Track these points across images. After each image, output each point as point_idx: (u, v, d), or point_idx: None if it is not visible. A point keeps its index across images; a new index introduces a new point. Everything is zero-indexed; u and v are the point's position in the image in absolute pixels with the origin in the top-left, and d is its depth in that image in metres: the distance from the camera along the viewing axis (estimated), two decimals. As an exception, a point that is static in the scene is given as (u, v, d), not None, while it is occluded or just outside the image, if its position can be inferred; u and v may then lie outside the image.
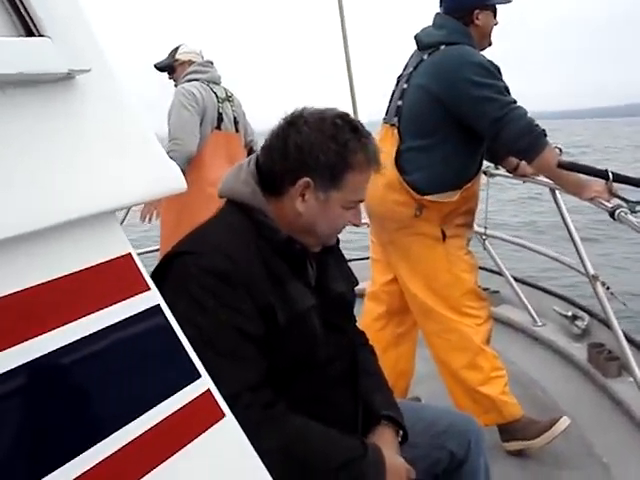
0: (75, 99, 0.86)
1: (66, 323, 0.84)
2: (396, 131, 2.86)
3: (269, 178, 1.64)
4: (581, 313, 3.79)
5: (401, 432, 1.73)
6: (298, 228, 1.63)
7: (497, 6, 2.90)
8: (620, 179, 2.59)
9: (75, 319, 0.85)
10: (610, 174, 2.56)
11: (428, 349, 3.22)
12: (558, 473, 2.74)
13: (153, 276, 1.53)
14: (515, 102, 2.66)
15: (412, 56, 3.00)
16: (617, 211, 2.52)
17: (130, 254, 0.92)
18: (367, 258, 4.69)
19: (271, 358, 1.51)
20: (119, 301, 0.90)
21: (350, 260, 4.65)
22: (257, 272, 1.52)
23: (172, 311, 1.45)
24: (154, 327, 0.95)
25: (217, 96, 4.15)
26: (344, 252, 1.88)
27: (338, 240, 1.82)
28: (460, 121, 2.73)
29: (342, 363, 1.70)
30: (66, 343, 0.83)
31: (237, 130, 4.27)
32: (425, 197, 2.78)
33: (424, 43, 2.89)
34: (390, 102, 3.03)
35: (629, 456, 2.76)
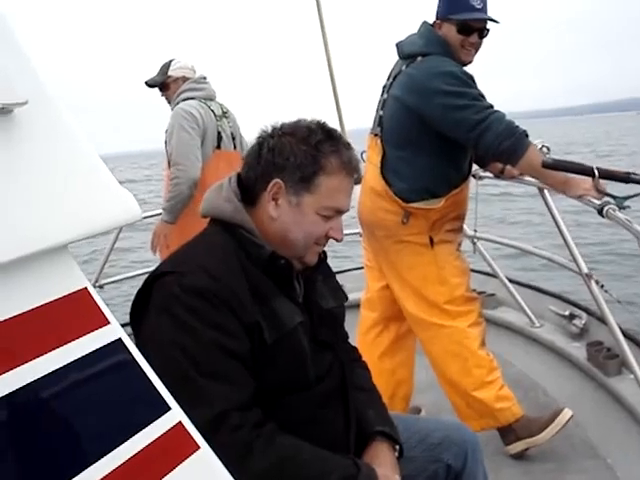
0: (13, 134, 0.83)
1: (21, 364, 0.81)
2: (379, 141, 2.89)
3: (247, 189, 1.63)
4: (578, 312, 3.75)
5: (397, 447, 1.70)
6: (275, 236, 1.60)
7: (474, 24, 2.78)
8: (606, 175, 2.56)
9: (31, 359, 0.82)
10: (596, 171, 2.53)
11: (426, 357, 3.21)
12: (563, 476, 2.70)
13: (137, 298, 1.52)
14: (492, 106, 2.65)
15: (395, 65, 3.00)
16: (605, 208, 2.49)
17: (86, 288, 0.89)
18: (362, 268, 4.70)
19: (260, 377, 1.48)
20: (77, 338, 0.87)
21: (346, 270, 4.68)
22: (242, 290, 1.49)
23: (157, 332, 1.44)
24: (116, 362, 0.92)
25: (215, 114, 4.04)
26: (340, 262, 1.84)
27: (326, 255, 1.78)
28: (434, 131, 2.73)
29: (332, 380, 1.66)
30: (22, 385, 0.81)
31: (235, 147, 4.16)
32: (411, 205, 2.79)
33: (404, 53, 2.89)
34: (376, 112, 3.03)
35: (633, 455, 2.71)
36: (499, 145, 2.61)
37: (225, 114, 4.13)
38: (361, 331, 3.13)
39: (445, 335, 2.87)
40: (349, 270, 4.79)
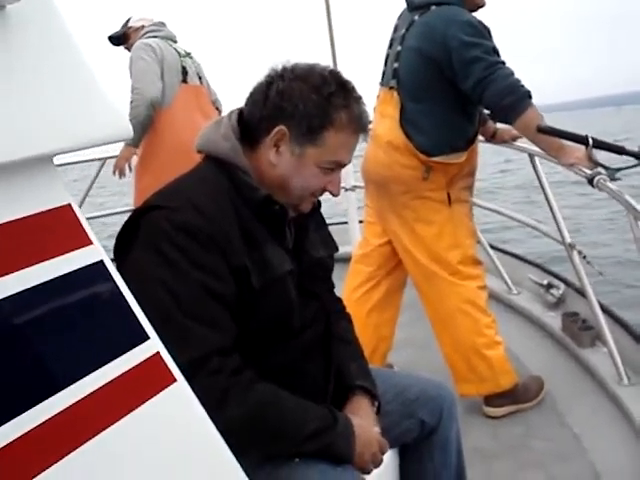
0: (5, 32, 0.77)
1: (-3, 277, 0.77)
2: (396, 94, 2.82)
3: (248, 127, 1.56)
4: (556, 282, 3.76)
5: (376, 403, 1.69)
6: (272, 182, 1.54)
7: None
8: (600, 145, 2.54)
9: (7, 273, 0.78)
10: (590, 140, 2.51)
11: (403, 316, 3.23)
12: (529, 442, 2.72)
13: (123, 232, 1.47)
14: (503, 63, 2.61)
15: (401, 17, 2.95)
16: (596, 178, 2.48)
17: (70, 205, 0.85)
18: (346, 223, 4.69)
19: (243, 323, 1.45)
20: (57, 255, 0.83)
21: (330, 224, 4.67)
22: (232, 231, 1.44)
23: (142, 268, 1.40)
24: (97, 284, 0.89)
25: (177, 52, 4.15)
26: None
27: (319, 204, 1.74)
28: (453, 81, 2.68)
29: (315, 330, 1.64)
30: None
31: (200, 83, 4.28)
32: (432, 159, 2.76)
33: (414, 4, 2.83)
34: (385, 65, 2.98)
35: (600, 427, 2.75)
36: (501, 100, 2.57)
37: (189, 54, 4.25)
38: (352, 285, 3.12)
39: (457, 293, 2.87)
40: (331, 224, 4.78)
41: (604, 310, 3.02)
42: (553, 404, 2.97)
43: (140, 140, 3.96)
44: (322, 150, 1.51)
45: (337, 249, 1.80)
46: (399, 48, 2.84)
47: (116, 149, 4.22)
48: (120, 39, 4.34)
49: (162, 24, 4.26)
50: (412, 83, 2.79)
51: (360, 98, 1.55)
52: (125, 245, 1.46)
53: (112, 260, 1.45)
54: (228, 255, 1.41)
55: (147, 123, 3.89)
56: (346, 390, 1.67)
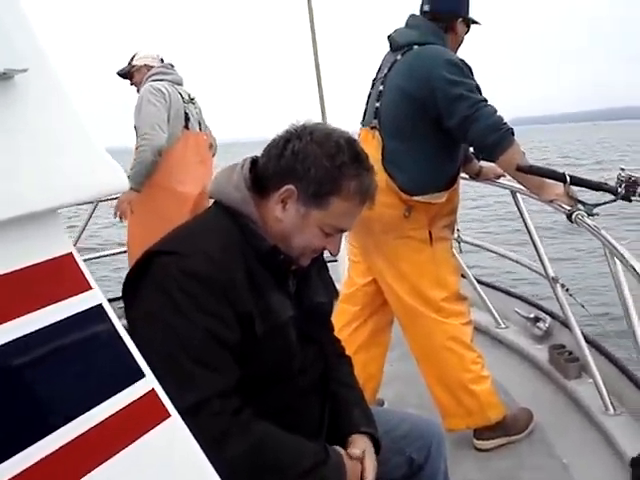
0: (13, 99, 0.85)
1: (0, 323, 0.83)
2: (377, 133, 2.86)
3: (261, 178, 1.63)
4: (543, 315, 3.82)
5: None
6: (276, 234, 1.60)
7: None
8: (577, 182, 2.62)
9: (11, 319, 0.84)
10: (567, 177, 2.59)
11: (394, 351, 3.29)
12: (519, 474, 2.75)
13: (131, 274, 1.53)
14: (486, 100, 2.68)
15: (385, 58, 3.01)
16: (574, 214, 2.55)
17: (71, 253, 0.91)
18: (335, 261, 4.73)
19: (244, 367, 1.50)
20: (58, 300, 0.89)
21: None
22: (239, 279, 1.50)
23: (152, 312, 1.45)
24: (96, 327, 0.94)
25: (182, 97, 4.28)
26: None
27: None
28: (436, 120, 2.73)
29: (313, 373, 1.69)
30: (0, 343, 0.82)
31: (200, 130, 4.41)
32: (414, 198, 2.79)
33: (398, 44, 2.90)
34: (367, 105, 3.04)
35: (589, 456, 2.78)
36: (485, 138, 2.64)
37: (192, 100, 4.40)
38: (339, 325, 3.09)
39: (442, 331, 2.89)
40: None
41: (588, 341, 3.08)
42: (541, 435, 3.01)
43: (142, 184, 4.05)
44: (326, 214, 1.58)
45: (338, 294, 1.85)
46: (381, 88, 2.90)
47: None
48: (126, 76, 4.48)
49: (171, 66, 4.39)
50: (394, 122, 2.84)
51: (371, 169, 1.62)
52: (134, 285, 1.52)
53: (121, 298, 1.52)
54: (235, 302, 1.47)
55: (151, 169, 4.00)
56: (349, 434, 1.70)
